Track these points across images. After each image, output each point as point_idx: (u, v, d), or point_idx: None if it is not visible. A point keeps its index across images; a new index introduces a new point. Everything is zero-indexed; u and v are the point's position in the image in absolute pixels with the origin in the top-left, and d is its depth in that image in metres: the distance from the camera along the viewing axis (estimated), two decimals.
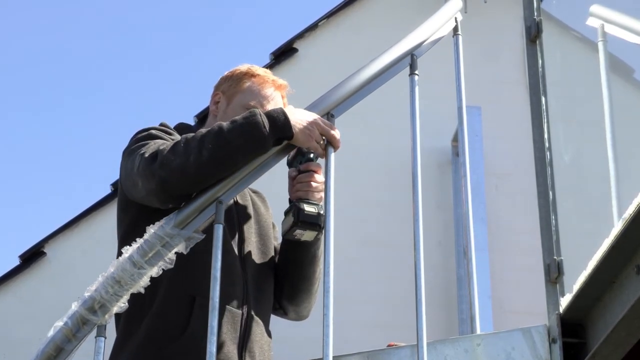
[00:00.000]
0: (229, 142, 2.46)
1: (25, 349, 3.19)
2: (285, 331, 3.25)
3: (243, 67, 2.93)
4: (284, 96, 2.90)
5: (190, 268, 2.60)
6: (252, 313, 2.68)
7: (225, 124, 2.52)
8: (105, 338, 2.41)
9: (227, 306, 2.61)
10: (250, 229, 2.78)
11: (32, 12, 10.07)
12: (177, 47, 10.05)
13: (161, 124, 2.78)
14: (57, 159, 10.23)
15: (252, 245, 2.76)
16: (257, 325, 2.69)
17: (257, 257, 2.76)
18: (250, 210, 2.81)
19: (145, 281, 2.39)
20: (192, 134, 2.53)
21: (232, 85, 2.89)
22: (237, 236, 2.72)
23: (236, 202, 2.77)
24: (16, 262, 4.43)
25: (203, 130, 2.53)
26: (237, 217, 2.75)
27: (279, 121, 2.50)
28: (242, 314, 2.65)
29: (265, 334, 2.72)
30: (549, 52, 2.92)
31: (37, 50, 10.14)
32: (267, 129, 2.48)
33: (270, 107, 2.80)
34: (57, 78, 10.28)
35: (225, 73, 2.95)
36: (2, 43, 10.00)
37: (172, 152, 2.48)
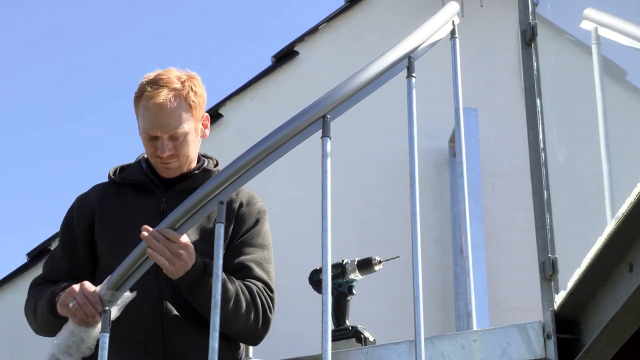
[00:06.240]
0: (38, 317, 2.85)
1: (33, 345, 3.23)
2: (284, 327, 3.28)
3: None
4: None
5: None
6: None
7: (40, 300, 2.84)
8: (109, 333, 2.46)
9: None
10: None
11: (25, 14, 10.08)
12: (177, 50, 10.03)
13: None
14: (64, 157, 10.19)
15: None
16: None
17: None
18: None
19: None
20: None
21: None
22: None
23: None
24: (24, 259, 4.45)
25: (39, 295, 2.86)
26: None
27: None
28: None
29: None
30: (544, 55, 2.91)
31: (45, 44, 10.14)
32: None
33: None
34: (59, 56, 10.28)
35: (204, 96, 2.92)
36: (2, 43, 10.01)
37: (25, 314, 2.94)
